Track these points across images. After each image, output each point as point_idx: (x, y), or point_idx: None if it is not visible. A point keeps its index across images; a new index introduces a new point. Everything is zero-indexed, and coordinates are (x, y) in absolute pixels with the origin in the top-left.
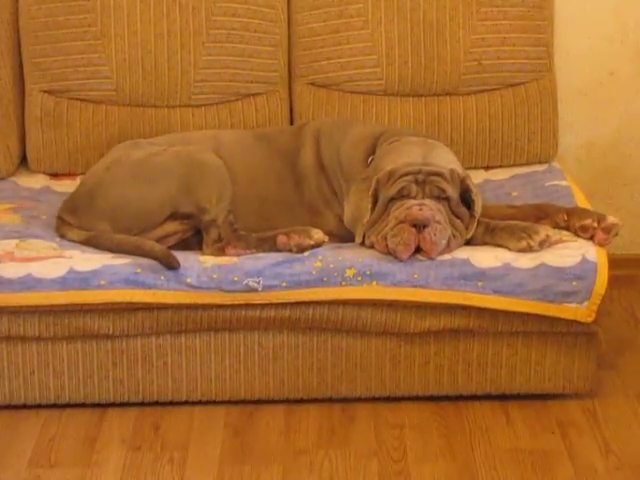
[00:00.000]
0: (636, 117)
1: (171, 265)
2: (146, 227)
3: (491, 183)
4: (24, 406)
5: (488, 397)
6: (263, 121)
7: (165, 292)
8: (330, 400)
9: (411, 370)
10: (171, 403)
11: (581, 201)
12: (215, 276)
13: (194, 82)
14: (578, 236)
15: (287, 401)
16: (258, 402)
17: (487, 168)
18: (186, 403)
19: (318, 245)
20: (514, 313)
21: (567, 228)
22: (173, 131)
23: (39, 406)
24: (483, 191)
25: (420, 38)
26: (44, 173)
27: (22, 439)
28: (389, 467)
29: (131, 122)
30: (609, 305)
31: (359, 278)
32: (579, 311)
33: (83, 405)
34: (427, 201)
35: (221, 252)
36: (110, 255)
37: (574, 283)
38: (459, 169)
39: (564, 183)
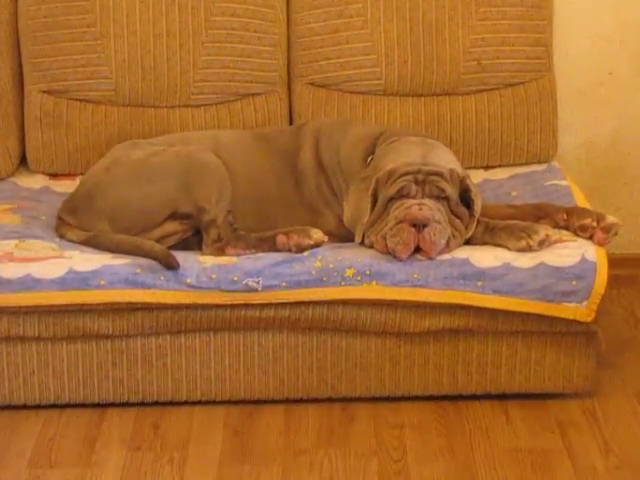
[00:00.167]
0: (635, 117)
1: (171, 265)
2: (146, 227)
3: (490, 183)
4: (24, 406)
5: (488, 397)
6: (262, 121)
7: (165, 292)
8: (330, 400)
9: (411, 370)
10: (171, 403)
11: (580, 201)
12: (215, 276)
13: (193, 82)
14: (577, 236)
15: (287, 401)
16: (258, 402)
17: (486, 168)
18: (186, 403)
19: (317, 245)
20: (514, 313)
21: (567, 228)
22: (172, 131)
23: (39, 406)
24: (482, 191)
25: (419, 38)
26: (44, 173)
27: (22, 439)
28: (389, 467)
29: (130, 122)
30: (609, 304)
31: (359, 278)
32: (578, 311)
33: (83, 405)
34: (426, 201)
35: (221, 252)
36: (110, 255)
37: (574, 283)
38: (458, 169)
39: (563, 183)
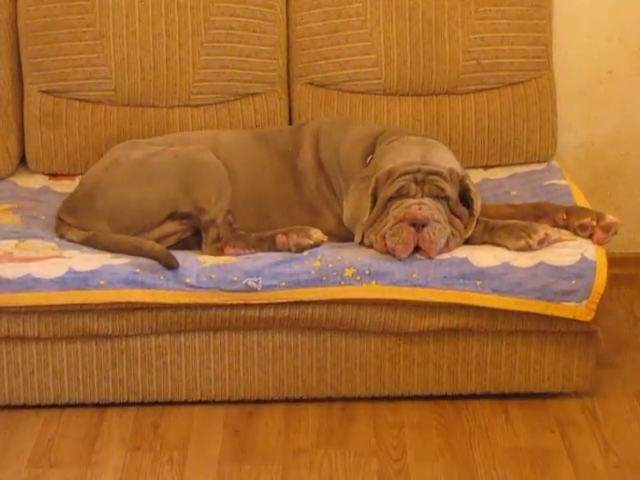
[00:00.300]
0: (635, 116)
1: (170, 265)
2: (145, 227)
3: (490, 182)
4: (24, 406)
5: (487, 396)
6: (262, 121)
7: (164, 292)
8: (329, 399)
9: (410, 369)
10: (170, 403)
11: (580, 200)
12: (214, 276)
13: (193, 82)
14: (577, 235)
15: (286, 400)
16: (257, 402)
17: (486, 167)
18: (185, 403)
19: (317, 245)
20: (513, 312)
21: (566, 227)
22: (172, 131)
23: (39, 406)
24: (482, 190)
25: (419, 37)
26: (43, 173)
27: (22, 439)
28: (388, 466)
29: (130, 122)
30: (608, 304)
31: (358, 277)
32: (578, 310)
33: (83, 405)
34: (426, 200)
35: (220, 252)
36: (109, 255)
37: (573, 282)
38: (458, 168)
39: (563, 182)
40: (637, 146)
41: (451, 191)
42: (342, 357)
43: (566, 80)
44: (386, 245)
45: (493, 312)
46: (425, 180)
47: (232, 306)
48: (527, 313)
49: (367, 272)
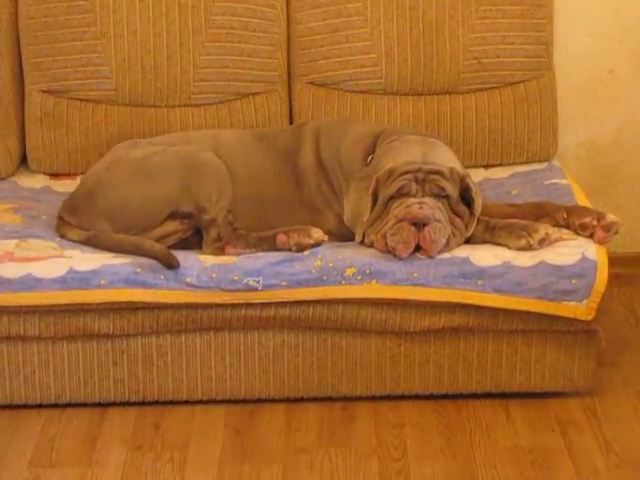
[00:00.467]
0: (635, 115)
1: (171, 264)
2: (146, 227)
3: (491, 181)
4: (25, 406)
5: (488, 395)
6: (263, 120)
7: (165, 291)
8: (330, 399)
9: (411, 369)
10: (171, 402)
11: (581, 199)
12: (215, 275)
13: (193, 82)
14: (578, 234)
15: (287, 400)
16: (258, 401)
17: (487, 166)
18: (186, 402)
19: (318, 244)
20: (514, 311)
21: (567, 226)
22: (173, 131)
23: (40, 406)
24: (483, 189)
25: (419, 37)
26: (44, 173)
27: (23, 439)
28: (389, 466)
29: (131, 122)
30: (609, 303)
31: (359, 277)
32: (579, 309)
33: (84, 405)
34: (427, 199)
35: (221, 251)
36: (110, 255)
37: (574, 281)
38: (459, 167)
39: (564, 181)
40: (638, 145)
41: (452, 190)
42: (343, 356)
43: (567, 79)
44: (387, 244)
45: (494, 311)
46: (426, 179)
47: (233, 306)
48: (528, 312)
49: (368, 271)
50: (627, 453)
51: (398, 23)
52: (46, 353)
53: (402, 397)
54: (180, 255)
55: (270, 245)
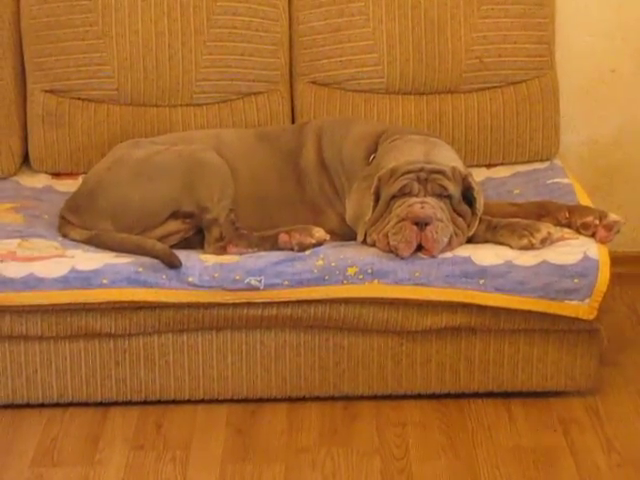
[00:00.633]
0: (638, 114)
1: (173, 264)
2: (148, 226)
3: (493, 181)
4: (27, 405)
5: (490, 395)
6: (264, 120)
7: (167, 291)
8: (332, 398)
9: (413, 368)
10: (173, 402)
11: (583, 199)
12: (217, 275)
13: (195, 81)
14: (580, 234)
15: (289, 399)
16: (260, 400)
17: (489, 166)
18: (188, 402)
19: (320, 243)
20: (516, 311)
21: (569, 226)
22: (175, 130)
23: (42, 405)
24: (485, 189)
25: (421, 36)
26: (46, 173)
27: (25, 438)
28: (391, 465)
29: (133, 121)
30: (611, 302)
31: (361, 276)
32: (581, 309)
33: (86, 404)
34: (429, 199)
35: (223, 251)
36: (112, 254)
37: (576, 281)
38: (461, 167)
39: (566, 181)
40: None
41: (454, 190)
42: (345, 356)
43: (569, 79)
44: (389, 244)
45: (496, 311)
46: (428, 179)
47: (235, 305)
48: (530, 312)
49: (370, 271)
50: (629, 452)
51: (400, 22)
52: (48, 352)
53: (404, 396)
54: (182, 254)
55: (272, 244)
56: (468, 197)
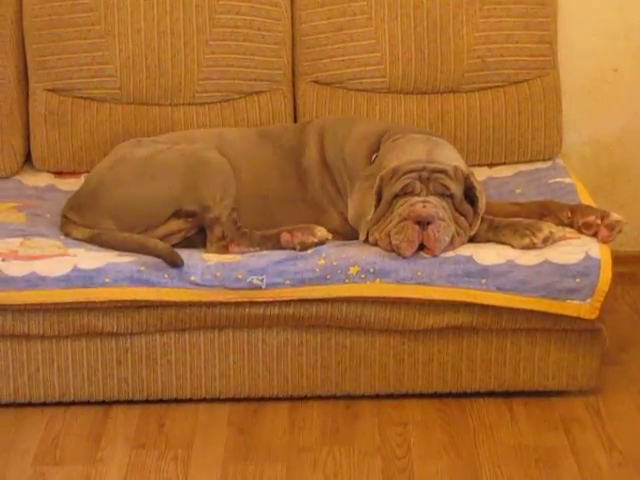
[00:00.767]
0: None
1: (175, 263)
2: (150, 225)
3: (495, 180)
4: (29, 404)
5: (492, 394)
6: (267, 119)
7: (169, 290)
8: (334, 397)
9: (415, 367)
10: (175, 401)
11: (585, 198)
12: (219, 274)
13: (198, 80)
14: (581, 233)
15: (291, 398)
16: (262, 399)
17: (491, 165)
18: (190, 401)
19: (322, 243)
20: (518, 310)
21: (571, 225)
22: (177, 129)
23: (44, 404)
24: (487, 188)
25: (423, 35)
26: (48, 171)
27: (27, 437)
28: (393, 464)
29: (135, 120)
30: (613, 302)
31: (362, 276)
32: (582, 308)
33: (88, 403)
34: (431, 198)
35: (225, 250)
36: (114, 253)
37: (577, 280)
38: (463, 166)
39: (568, 180)
40: None
41: (456, 189)
42: (346, 355)
43: (571, 78)
44: (391, 243)
45: (498, 310)
46: (430, 178)
47: (237, 304)
48: (532, 311)
49: (371, 270)
50: (630, 451)
51: (402, 22)
52: (50, 351)
53: (406, 395)
54: (184, 254)
55: (274, 244)
56: (470, 196)
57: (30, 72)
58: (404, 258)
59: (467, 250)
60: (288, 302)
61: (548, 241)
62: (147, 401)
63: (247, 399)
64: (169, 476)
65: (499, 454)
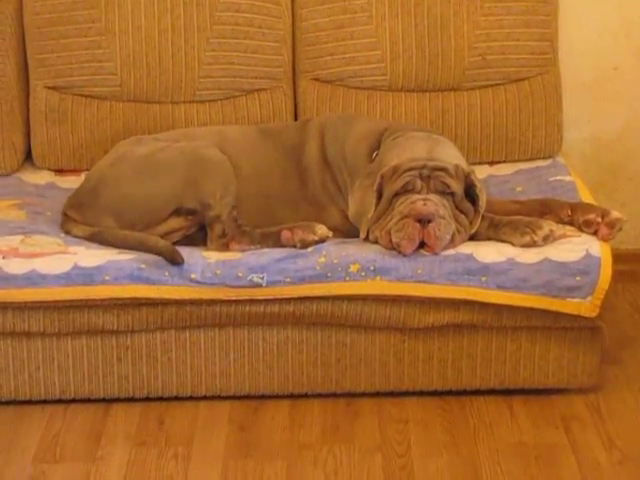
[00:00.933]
0: None
1: (175, 261)
2: (150, 223)
3: (495, 178)
4: (29, 401)
5: (492, 392)
6: (267, 117)
7: (169, 288)
8: (334, 395)
9: (415, 365)
10: (176, 398)
11: (585, 196)
12: (219, 272)
13: (198, 78)
14: (582, 231)
15: (291, 396)
16: (262, 397)
17: (491, 163)
18: (191, 398)
19: (322, 240)
20: (518, 308)
21: (571, 223)
22: (177, 127)
23: (44, 401)
24: (487, 186)
25: (424, 33)
26: (49, 169)
27: (27, 434)
28: (393, 462)
29: (135, 118)
30: (613, 300)
31: (363, 273)
32: (583, 306)
33: (88, 400)
34: (431, 196)
35: (225, 248)
36: (115, 251)
37: (578, 278)
38: (463, 164)
39: (568, 178)
40: None
41: (456, 187)
42: (347, 353)
43: (572, 76)
44: (391, 241)
45: (498, 308)
46: (430, 176)
47: (237, 302)
48: (532, 309)
49: (372, 268)
50: (630, 449)
51: (403, 20)
52: (50, 349)
53: (406, 393)
54: (184, 251)
55: (274, 241)
56: (471, 194)
57: (30, 69)
58: (404, 256)
59: (467, 248)
60: (288, 300)
61: (548, 239)
62: (147, 399)
63: (247, 397)
64: (169, 474)
65: (499, 452)
